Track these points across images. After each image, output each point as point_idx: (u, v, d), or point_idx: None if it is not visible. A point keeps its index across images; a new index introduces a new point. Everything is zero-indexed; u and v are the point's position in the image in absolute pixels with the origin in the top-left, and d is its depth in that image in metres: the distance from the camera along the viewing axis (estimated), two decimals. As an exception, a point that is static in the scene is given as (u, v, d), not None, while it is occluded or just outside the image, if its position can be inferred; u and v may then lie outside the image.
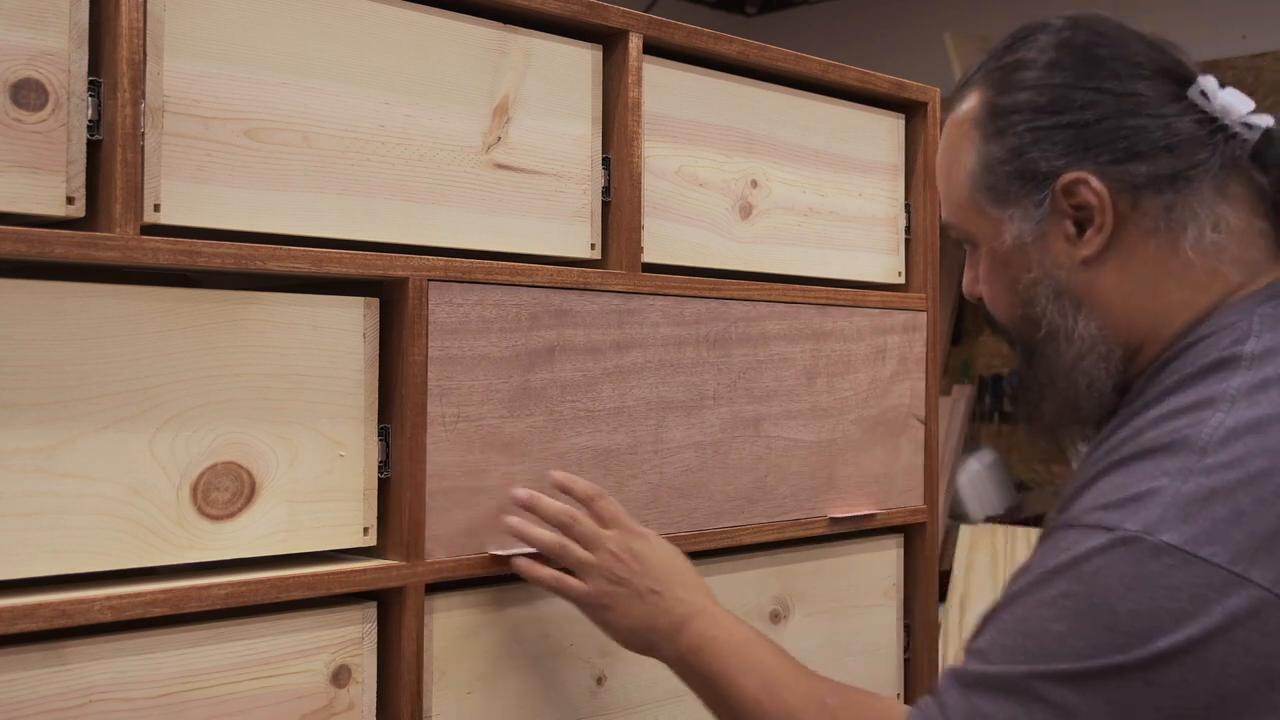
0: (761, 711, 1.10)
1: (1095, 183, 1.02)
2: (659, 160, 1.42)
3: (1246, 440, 0.92)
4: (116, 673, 1.01)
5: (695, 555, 1.44)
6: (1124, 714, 0.88)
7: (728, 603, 1.47)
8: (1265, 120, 1.05)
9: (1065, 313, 1.05)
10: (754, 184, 1.52)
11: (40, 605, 0.96)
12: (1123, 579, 0.89)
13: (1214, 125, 1.03)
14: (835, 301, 1.59)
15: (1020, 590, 0.96)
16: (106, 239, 1.01)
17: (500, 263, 1.26)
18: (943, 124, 1.15)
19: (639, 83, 1.37)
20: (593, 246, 1.36)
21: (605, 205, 1.37)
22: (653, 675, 1.39)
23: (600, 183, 1.36)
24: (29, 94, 0.98)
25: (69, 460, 1.00)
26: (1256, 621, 0.87)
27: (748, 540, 1.49)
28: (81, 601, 0.98)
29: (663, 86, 1.42)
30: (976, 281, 1.14)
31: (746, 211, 1.51)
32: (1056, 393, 1.07)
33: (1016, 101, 1.05)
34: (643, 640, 1.21)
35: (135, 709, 1.02)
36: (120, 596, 1.00)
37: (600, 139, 1.36)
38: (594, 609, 1.22)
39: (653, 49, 1.40)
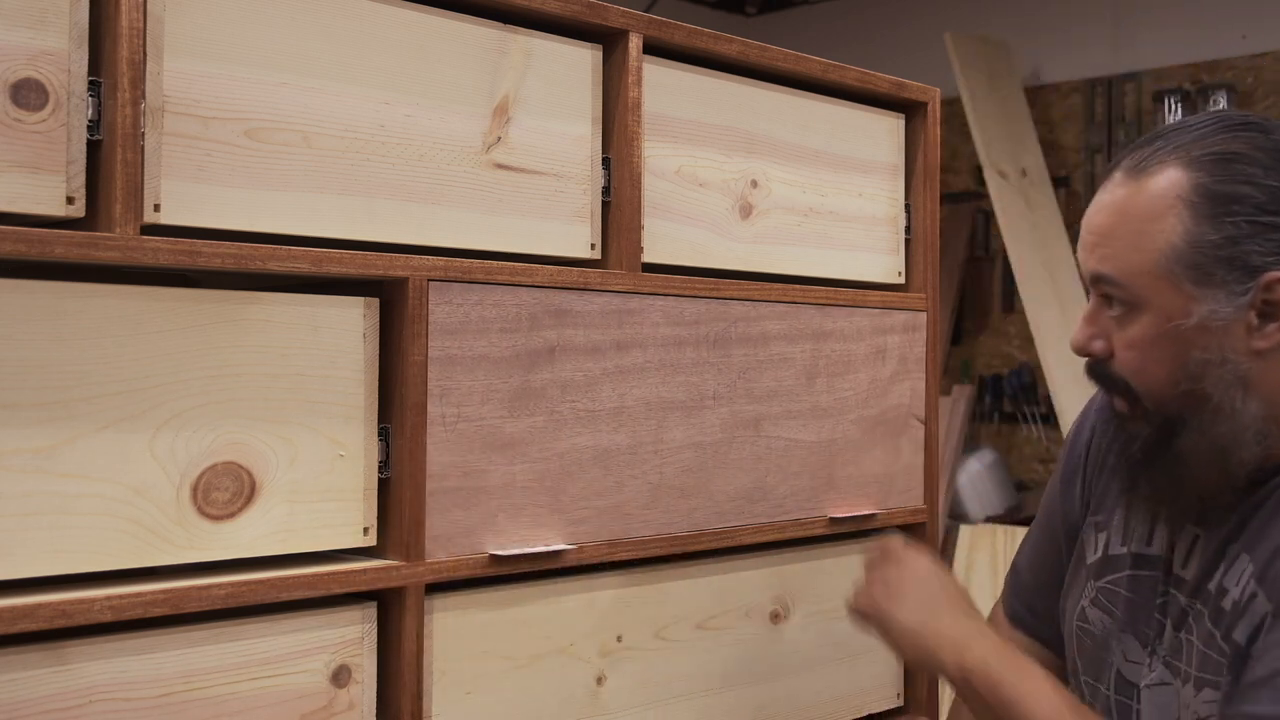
0: None
1: None
2: (659, 160, 1.42)
3: None
4: (116, 673, 1.01)
5: (695, 555, 1.44)
6: None
7: (728, 603, 1.48)
8: None
9: (1233, 389, 1.13)
10: (754, 184, 1.52)
11: (40, 605, 0.96)
12: None
13: None
14: (835, 301, 1.59)
15: None
16: (106, 239, 1.01)
17: (500, 263, 1.26)
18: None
19: (639, 83, 1.37)
20: (593, 246, 1.36)
21: (605, 205, 1.37)
22: (653, 675, 1.39)
23: (600, 183, 1.36)
24: (29, 94, 0.98)
25: (69, 460, 1.00)
26: None
27: (748, 540, 1.49)
28: (81, 601, 0.98)
29: (663, 86, 1.42)
30: (1097, 337, 1.21)
31: (746, 211, 1.51)
32: (1214, 464, 1.15)
33: (1237, 192, 1.12)
34: (924, 646, 1.28)
35: (135, 709, 1.02)
36: (120, 596, 1.00)
37: (600, 139, 1.36)
38: (872, 610, 1.33)
39: (653, 49, 1.40)
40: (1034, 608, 1.45)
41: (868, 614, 1.34)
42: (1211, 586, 1.18)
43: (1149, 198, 1.15)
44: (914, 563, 1.34)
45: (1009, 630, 1.48)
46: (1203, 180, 1.13)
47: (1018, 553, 1.51)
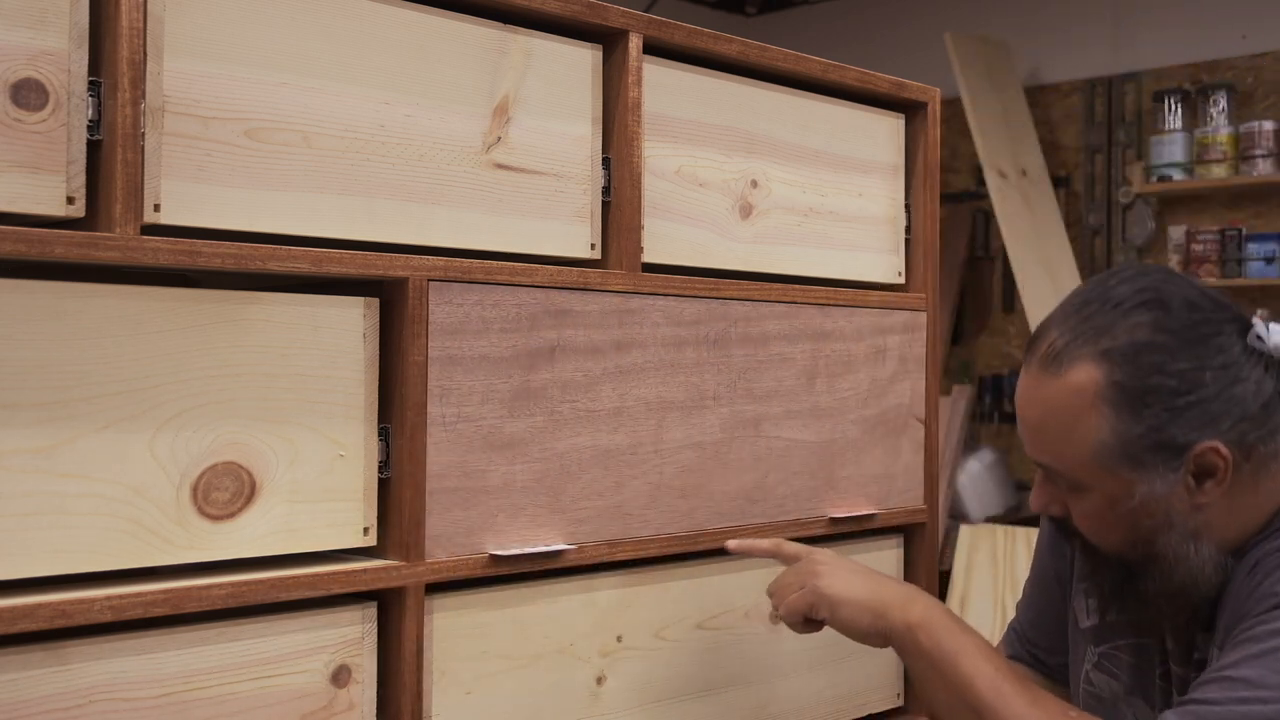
0: (1000, 696, 1.19)
1: (1224, 450, 1.18)
2: (659, 160, 1.42)
3: None
4: (116, 673, 1.01)
5: (695, 555, 1.44)
6: None
7: (728, 602, 1.47)
8: None
9: (1185, 543, 1.21)
10: (754, 184, 1.52)
11: (40, 605, 0.96)
12: None
13: (1270, 360, 1.21)
14: (835, 301, 1.59)
15: (1239, 658, 1.11)
16: (106, 239, 1.01)
17: (500, 263, 1.26)
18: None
19: (639, 83, 1.37)
20: (593, 246, 1.36)
21: (605, 205, 1.37)
22: (653, 675, 1.39)
23: (600, 183, 1.36)
24: (29, 94, 0.98)
25: (69, 460, 1.00)
26: None
27: (748, 540, 1.49)
28: (81, 601, 0.98)
29: (663, 86, 1.42)
30: (1053, 503, 1.28)
31: (746, 211, 1.51)
32: (1179, 599, 1.23)
33: (1149, 385, 1.18)
34: (871, 608, 1.28)
35: (135, 709, 1.02)
36: (120, 596, 1.00)
37: (600, 139, 1.36)
38: (815, 574, 1.31)
39: (653, 49, 1.40)
40: (1037, 653, 1.50)
41: (804, 604, 1.31)
42: (1197, 657, 1.26)
43: (1068, 395, 1.21)
44: (818, 552, 1.36)
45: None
46: (1117, 377, 1.19)
47: (1016, 614, 1.55)
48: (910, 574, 1.71)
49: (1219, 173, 4.59)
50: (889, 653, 1.67)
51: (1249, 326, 1.22)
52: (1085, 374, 1.20)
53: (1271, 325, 1.22)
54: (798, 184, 1.57)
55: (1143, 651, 1.33)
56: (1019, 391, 1.28)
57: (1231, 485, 1.20)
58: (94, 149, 1.02)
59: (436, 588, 1.20)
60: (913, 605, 1.27)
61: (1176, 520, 1.21)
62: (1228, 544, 1.23)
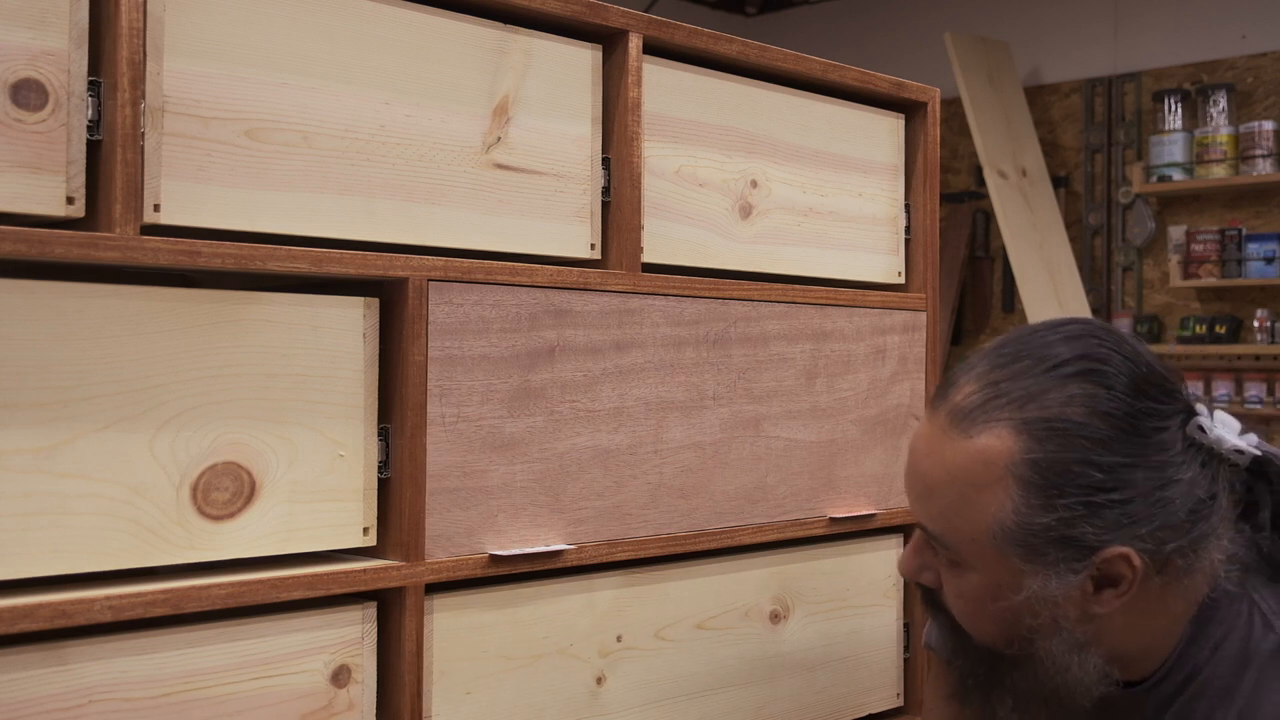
0: None
1: (1136, 560, 1.04)
2: (659, 160, 1.42)
3: None
4: (116, 673, 1.01)
5: (695, 555, 1.44)
6: None
7: (728, 603, 1.47)
8: (1251, 449, 1.08)
9: (1069, 653, 1.07)
10: (754, 184, 1.52)
11: (40, 605, 0.96)
12: None
13: (1209, 454, 1.07)
14: (835, 301, 1.59)
15: None
16: (106, 239, 1.01)
17: (500, 263, 1.26)
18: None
19: (639, 83, 1.37)
20: (593, 246, 1.36)
21: (605, 205, 1.37)
22: (653, 675, 1.39)
23: (600, 183, 1.36)
24: (29, 94, 0.98)
25: (69, 460, 1.00)
26: None
27: (748, 540, 1.49)
28: (81, 601, 0.98)
29: (663, 86, 1.42)
30: (925, 571, 1.15)
31: (746, 211, 1.51)
32: (1055, 703, 1.10)
33: (1070, 471, 1.03)
34: None
35: (135, 709, 1.02)
36: (120, 596, 1.00)
37: (600, 139, 1.36)
38: None
39: (653, 49, 1.40)
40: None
41: None
42: None
43: (975, 461, 1.06)
44: None
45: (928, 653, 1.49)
46: (1034, 455, 1.04)
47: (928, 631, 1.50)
48: (910, 574, 1.71)
49: (1219, 173, 4.60)
50: (889, 652, 1.67)
51: (1193, 414, 1.08)
52: (1000, 442, 1.05)
53: (1217, 415, 1.09)
54: (797, 184, 1.57)
55: None
56: (916, 439, 1.13)
57: (1135, 598, 1.06)
58: (94, 149, 1.02)
59: (436, 588, 1.21)
60: None
61: (1064, 626, 1.06)
62: (1121, 658, 1.10)
